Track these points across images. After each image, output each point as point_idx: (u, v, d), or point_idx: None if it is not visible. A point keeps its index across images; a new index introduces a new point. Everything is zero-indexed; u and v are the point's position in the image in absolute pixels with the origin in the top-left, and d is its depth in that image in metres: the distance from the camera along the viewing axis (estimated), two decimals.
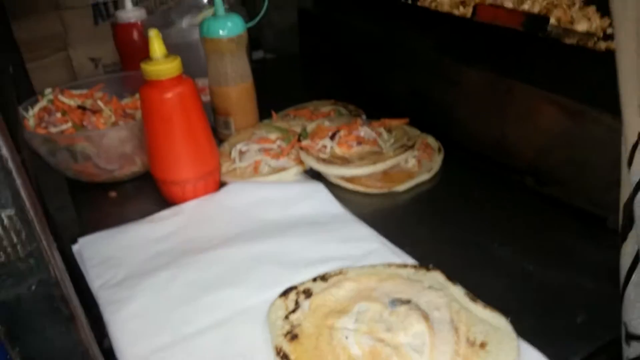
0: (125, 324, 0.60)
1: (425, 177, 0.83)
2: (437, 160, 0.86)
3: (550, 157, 0.73)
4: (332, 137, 0.87)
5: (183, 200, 0.82)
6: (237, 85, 0.95)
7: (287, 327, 0.56)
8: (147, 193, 0.86)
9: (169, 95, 0.75)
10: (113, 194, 0.88)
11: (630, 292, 0.47)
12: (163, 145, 0.78)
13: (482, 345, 0.51)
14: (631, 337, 0.47)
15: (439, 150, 0.89)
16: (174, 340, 0.57)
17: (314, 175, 0.87)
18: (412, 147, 0.85)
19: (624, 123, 0.48)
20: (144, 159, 0.88)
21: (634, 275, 0.47)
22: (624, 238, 0.49)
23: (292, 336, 0.54)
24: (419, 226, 0.74)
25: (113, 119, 0.92)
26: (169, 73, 0.74)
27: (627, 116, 0.47)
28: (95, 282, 0.67)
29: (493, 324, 0.53)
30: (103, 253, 0.72)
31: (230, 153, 0.91)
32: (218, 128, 1.00)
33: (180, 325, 0.59)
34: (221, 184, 0.85)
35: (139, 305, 0.62)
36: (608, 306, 0.57)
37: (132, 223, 0.78)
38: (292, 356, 0.52)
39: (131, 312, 0.61)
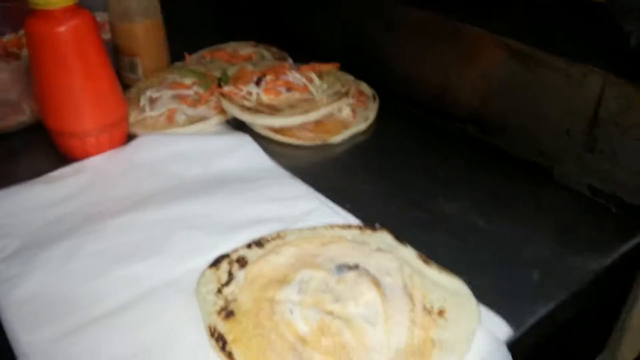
0: (19, 306, 0.49)
1: (361, 127, 0.77)
2: (373, 109, 0.80)
3: (496, 105, 0.69)
4: (258, 83, 0.78)
5: (85, 156, 0.70)
6: (143, 22, 0.83)
7: (220, 303, 0.48)
8: (41, 148, 0.73)
9: (62, 28, 0.62)
10: None
11: None
12: (56, 90, 0.65)
13: (441, 312, 0.46)
14: None
15: (374, 98, 0.82)
16: (80, 324, 0.48)
17: (238, 126, 0.77)
18: (346, 94, 0.78)
19: None
20: (33, 107, 0.74)
21: None
22: None
23: (228, 313, 0.47)
24: (357, 182, 0.68)
25: None
26: (62, 1, 0.61)
27: None
28: None
29: (450, 288, 0.49)
30: None
31: (139, 100, 0.79)
32: (122, 71, 0.87)
33: (88, 306, 0.49)
34: (130, 137, 0.74)
35: (36, 283, 0.52)
36: (560, 261, 0.55)
37: (24, 184, 0.65)
38: (229, 337, 0.45)
39: (27, 292, 0.51)
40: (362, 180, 0.68)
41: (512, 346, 0.46)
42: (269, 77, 0.78)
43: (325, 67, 0.84)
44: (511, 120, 0.68)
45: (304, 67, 0.83)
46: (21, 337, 0.46)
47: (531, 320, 0.49)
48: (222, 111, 0.78)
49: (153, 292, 0.51)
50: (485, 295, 0.49)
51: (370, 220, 0.58)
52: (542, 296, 0.51)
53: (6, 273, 0.53)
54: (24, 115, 0.74)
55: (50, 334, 0.47)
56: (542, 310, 0.49)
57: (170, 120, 0.76)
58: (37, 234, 0.58)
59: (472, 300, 0.47)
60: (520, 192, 0.65)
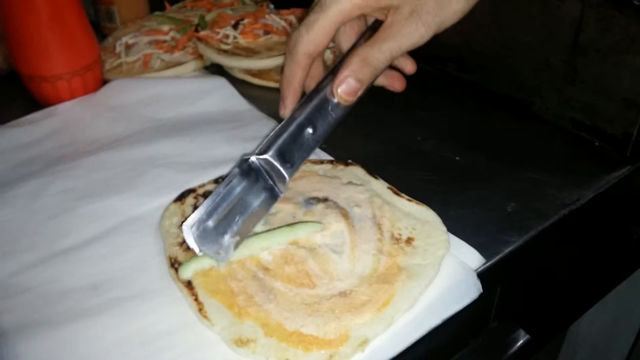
0: None
1: None
2: None
3: (475, 40, 0.66)
4: (235, 26, 0.76)
5: (57, 101, 0.68)
6: None
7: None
8: (14, 95, 0.72)
9: None
10: None
11: None
12: (24, 32, 0.63)
13: (409, 240, 0.45)
14: None
15: None
16: (45, 257, 0.47)
17: (216, 71, 0.75)
18: None
19: None
20: (6, 53, 0.72)
21: None
22: None
23: None
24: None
25: None
26: None
27: None
28: None
29: (420, 217, 0.47)
30: None
31: (115, 47, 0.77)
32: (100, 21, 0.86)
33: (53, 240, 0.49)
34: (104, 84, 0.72)
35: (2, 219, 0.51)
36: (538, 194, 0.53)
37: None
38: None
39: None
40: (340, 122, 0.66)
41: (485, 276, 0.45)
42: (247, 21, 0.76)
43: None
44: (490, 56, 0.65)
45: (284, 11, 0.81)
46: None
47: (504, 250, 0.47)
48: (200, 57, 0.76)
49: (120, 227, 0.50)
50: (458, 227, 0.47)
51: (344, 158, 0.56)
52: (517, 227, 0.49)
53: None
54: None
55: (12, 267, 0.46)
56: (516, 240, 0.48)
57: (145, 65, 0.75)
58: (5, 175, 0.57)
59: (441, 228, 0.46)
60: (499, 128, 0.63)
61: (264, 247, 0.44)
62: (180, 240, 0.47)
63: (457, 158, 0.58)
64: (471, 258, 0.45)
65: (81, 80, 0.68)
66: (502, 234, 0.48)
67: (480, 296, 0.43)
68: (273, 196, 0.46)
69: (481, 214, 0.51)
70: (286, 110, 0.49)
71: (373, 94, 0.71)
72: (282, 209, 0.49)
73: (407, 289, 0.41)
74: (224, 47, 0.74)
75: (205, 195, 0.51)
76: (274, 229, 0.46)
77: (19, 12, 0.62)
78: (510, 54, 0.62)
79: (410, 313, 0.40)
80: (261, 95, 0.71)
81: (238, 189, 0.44)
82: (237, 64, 0.72)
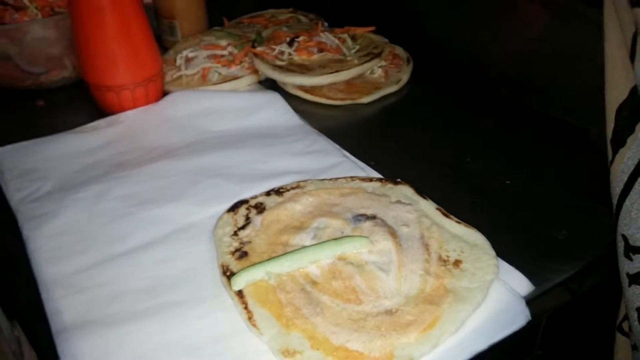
0: (47, 240, 0.51)
1: (392, 89, 0.76)
2: (406, 72, 0.78)
3: (528, 63, 0.66)
4: (291, 43, 0.78)
5: (120, 110, 0.72)
6: None
7: (235, 244, 0.49)
8: (81, 103, 0.76)
9: None
10: (41, 102, 0.77)
11: (634, 202, 0.41)
12: (93, 42, 0.67)
13: (457, 263, 0.45)
14: (633, 250, 0.42)
15: (408, 61, 0.81)
16: (102, 259, 0.49)
17: (270, 86, 0.78)
18: (379, 55, 0.77)
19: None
20: (75, 63, 0.76)
21: (636, 184, 0.41)
22: (620, 144, 0.43)
23: (241, 254, 0.47)
24: (384, 141, 0.67)
25: (40, 17, 0.79)
26: None
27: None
28: (15, 195, 0.58)
29: (468, 240, 0.47)
30: (26, 164, 0.62)
31: (175, 60, 0.81)
32: (162, 34, 0.90)
33: (111, 243, 0.51)
34: (165, 94, 0.75)
35: (65, 220, 0.54)
36: (589, 223, 0.52)
37: (62, 133, 0.68)
38: None
39: (55, 228, 0.53)
40: (389, 140, 0.67)
41: (533, 303, 0.44)
42: (302, 38, 0.78)
43: (360, 30, 0.83)
44: (544, 80, 0.65)
45: (338, 30, 0.82)
46: (45, 270, 0.48)
47: (555, 279, 0.47)
48: (255, 72, 0.78)
49: (175, 234, 0.52)
50: (507, 251, 0.47)
51: (393, 177, 0.57)
52: (569, 256, 0.49)
53: (37, 211, 0.55)
54: (66, 70, 0.77)
55: (72, 267, 0.49)
56: (567, 270, 0.47)
57: (204, 78, 0.77)
58: (69, 178, 0.60)
59: (490, 252, 0.46)
60: (551, 153, 0.62)
61: (312, 260, 0.45)
62: (232, 249, 0.48)
63: (508, 182, 0.58)
64: (520, 284, 0.45)
65: (144, 90, 0.71)
66: (553, 262, 0.48)
67: (527, 323, 0.43)
68: None
69: (531, 240, 0.50)
70: None
71: (423, 114, 0.72)
72: (331, 224, 0.50)
73: (454, 312, 0.41)
74: (279, 63, 0.76)
75: (257, 206, 0.53)
76: (322, 242, 0.47)
77: (89, 26, 0.66)
78: (564, 80, 0.62)
79: (456, 336, 0.40)
80: (313, 111, 0.73)
81: None
82: (291, 80, 0.74)
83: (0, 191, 0.59)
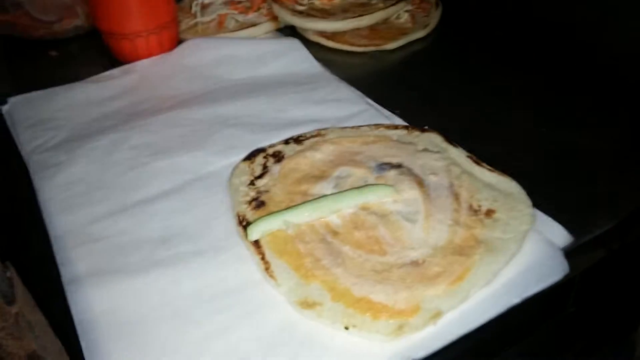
0: (59, 190, 0.50)
1: (419, 34, 0.71)
2: (435, 16, 0.74)
3: (571, 10, 0.61)
4: None
5: (135, 58, 0.69)
6: None
7: (252, 194, 0.46)
8: (95, 53, 0.74)
9: None
10: (54, 52, 0.75)
11: None
12: None
13: (489, 213, 0.42)
14: None
15: (437, 4, 0.76)
16: (117, 209, 0.47)
17: (289, 34, 0.74)
18: None
19: None
20: (87, 11, 0.74)
21: None
22: None
23: (258, 203, 0.45)
24: (410, 90, 0.63)
25: None
26: None
27: None
28: (28, 145, 0.56)
29: (502, 189, 0.44)
30: (39, 114, 0.61)
31: (191, 7, 0.77)
32: None
33: (126, 193, 0.49)
34: (180, 43, 0.72)
35: (78, 170, 0.52)
36: (632, 175, 0.48)
37: (75, 83, 0.66)
38: None
39: (68, 178, 0.51)
40: (415, 88, 0.63)
41: (572, 256, 0.41)
42: None
43: None
44: (588, 30, 0.60)
45: None
46: (57, 219, 0.47)
47: (596, 232, 0.43)
48: (274, 18, 0.74)
49: (192, 183, 0.50)
50: (544, 203, 0.44)
51: (420, 125, 0.53)
52: (610, 209, 0.45)
53: (50, 161, 0.53)
54: (78, 19, 0.74)
55: (86, 216, 0.47)
56: (608, 223, 0.44)
57: (220, 25, 0.74)
58: (84, 128, 0.58)
59: (527, 201, 0.43)
60: (593, 103, 0.57)
61: (334, 209, 0.43)
62: (248, 198, 0.46)
63: (544, 130, 0.54)
64: (558, 236, 0.42)
65: (158, 38, 0.68)
66: (593, 214, 0.44)
67: (563, 278, 0.40)
68: None
69: (570, 192, 0.47)
70: None
71: (452, 62, 0.68)
72: (353, 173, 0.47)
73: (486, 264, 0.38)
74: (298, 8, 0.72)
75: (275, 155, 0.50)
76: (344, 191, 0.44)
77: None
78: (613, 31, 0.57)
79: (487, 289, 0.37)
80: (334, 59, 0.69)
81: None
82: (311, 26, 0.70)
83: (12, 142, 0.58)
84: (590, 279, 0.48)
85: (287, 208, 0.43)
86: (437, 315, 0.35)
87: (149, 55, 0.69)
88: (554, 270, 0.39)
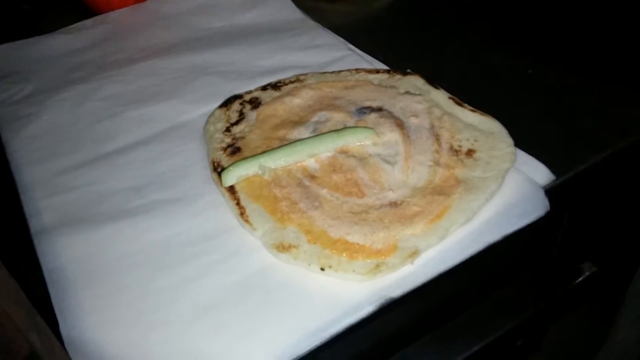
0: (28, 142, 0.48)
1: None
2: None
3: None
4: None
5: (109, 9, 0.67)
6: None
7: (227, 140, 0.45)
8: (69, 5, 0.71)
9: None
10: (26, 6, 0.72)
11: None
12: None
13: (470, 152, 0.41)
14: None
15: None
16: (88, 160, 0.46)
17: None
18: None
19: None
20: None
21: None
22: None
23: (234, 150, 0.44)
24: (395, 35, 0.61)
25: None
26: None
27: None
28: None
29: (484, 129, 0.43)
30: (6, 67, 0.59)
31: None
32: None
33: (97, 143, 0.48)
34: None
35: (47, 121, 0.50)
36: (622, 111, 0.47)
37: (46, 35, 0.63)
38: None
39: (36, 129, 0.49)
40: (400, 34, 0.61)
41: (554, 194, 0.40)
42: None
43: None
44: None
45: None
46: (25, 171, 0.45)
47: (578, 168, 0.42)
48: None
49: (166, 132, 0.48)
50: (527, 141, 0.42)
51: (404, 68, 0.52)
52: (594, 145, 0.44)
53: (18, 113, 0.52)
54: None
55: (55, 167, 0.45)
56: (591, 158, 0.43)
57: None
58: (53, 80, 0.56)
59: (507, 139, 0.41)
60: (580, 39, 0.56)
61: (311, 153, 0.41)
62: (224, 145, 0.44)
63: (530, 71, 0.52)
64: (539, 174, 0.40)
65: None
66: (577, 151, 0.43)
67: (547, 218, 0.39)
68: None
69: (553, 129, 0.45)
70: None
71: (438, 5, 0.65)
72: (332, 118, 0.46)
73: (465, 202, 0.37)
74: None
75: (252, 101, 0.49)
76: (322, 134, 0.43)
77: None
78: None
79: (467, 227, 0.36)
80: (317, 6, 0.67)
81: None
82: None
83: None
84: (576, 219, 0.48)
85: (262, 152, 0.42)
86: (414, 253, 0.34)
87: (123, 5, 0.67)
88: (535, 208, 0.38)
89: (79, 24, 0.65)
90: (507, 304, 0.46)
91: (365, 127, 0.43)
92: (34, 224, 0.40)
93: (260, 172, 0.41)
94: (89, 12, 0.68)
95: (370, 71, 0.51)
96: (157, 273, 0.37)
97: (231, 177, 0.40)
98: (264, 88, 0.50)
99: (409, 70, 0.50)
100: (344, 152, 0.42)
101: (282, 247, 0.36)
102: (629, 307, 0.64)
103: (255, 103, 0.48)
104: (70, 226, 0.40)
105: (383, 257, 0.34)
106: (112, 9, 0.66)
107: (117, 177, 0.44)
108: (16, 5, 0.72)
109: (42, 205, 0.42)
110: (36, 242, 0.39)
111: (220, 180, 0.41)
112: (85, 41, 0.62)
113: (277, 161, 0.41)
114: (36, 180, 0.44)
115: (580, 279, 0.52)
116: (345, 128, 0.43)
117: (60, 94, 0.53)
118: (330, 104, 0.47)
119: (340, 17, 0.66)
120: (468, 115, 0.44)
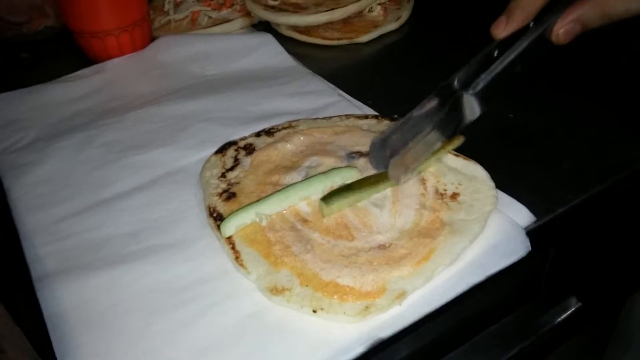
0: (28, 189, 0.50)
1: (391, 27, 0.72)
2: (406, 9, 0.74)
3: None
4: None
5: (106, 57, 0.69)
6: None
7: (223, 186, 0.47)
8: (67, 54, 0.73)
9: None
10: (25, 54, 0.75)
11: None
12: None
13: (454, 196, 0.43)
14: None
15: None
16: (87, 206, 0.47)
17: (263, 29, 0.74)
18: None
19: None
20: (57, 11, 0.73)
21: None
22: None
23: (229, 195, 0.45)
24: (383, 81, 0.64)
25: None
26: None
27: None
28: None
29: (467, 173, 0.45)
30: (8, 115, 0.60)
31: (164, 5, 0.77)
32: None
33: (96, 190, 0.49)
34: (153, 41, 0.72)
35: (47, 169, 0.52)
36: (595, 152, 0.49)
37: (46, 83, 0.66)
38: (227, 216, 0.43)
39: (37, 177, 0.51)
40: (388, 80, 0.64)
41: (536, 235, 0.41)
42: None
43: None
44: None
45: None
46: (26, 218, 0.47)
47: (558, 209, 0.44)
48: (248, 14, 0.75)
49: (162, 178, 0.50)
50: (508, 184, 0.44)
51: (391, 114, 0.54)
52: (574, 185, 0.46)
53: (19, 160, 0.53)
54: (48, 19, 0.74)
55: (56, 214, 0.47)
56: (572, 199, 0.45)
57: (193, 22, 0.74)
58: (53, 128, 0.58)
59: (489, 183, 0.43)
60: (557, 86, 0.58)
61: (303, 196, 0.43)
62: (219, 190, 0.46)
63: (511, 115, 0.55)
64: (520, 216, 0.42)
65: (129, 36, 0.68)
66: (557, 192, 0.45)
67: (531, 258, 0.40)
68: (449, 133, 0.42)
69: (534, 171, 0.47)
70: (503, 33, 0.43)
71: (424, 53, 0.68)
72: (323, 163, 0.47)
73: (450, 244, 0.39)
74: (271, 2, 0.72)
75: (247, 147, 0.51)
76: (311, 177, 0.44)
77: None
78: None
79: (451, 268, 0.38)
80: (308, 53, 0.70)
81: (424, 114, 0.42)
82: (284, 20, 0.70)
83: None
84: (561, 258, 0.49)
85: (258, 200, 0.43)
86: (402, 295, 0.36)
87: (120, 53, 0.69)
88: (517, 249, 0.39)
89: (78, 72, 0.67)
90: (495, 341, 0.48)
91: (350, 167, 0.45)
92: (35, 270, 0.41)
93: (257, 219, 0.42)
94: (87, 59, 0.70)
95: (359, 117, 0.53)
96: (153, 318, 0.38)
97: (230, 227, 0.42)
98: (257, 134, 0.52)
99: (396, 116, 0.53)
100: None
101: (276, 290, 0.37)
102: (619, 338, 0.65)
103: (249, 149, 0.50)
104: (69, 272, 0.41)
105: (372, 299, 0.36)
106: (110, 58, 0.69)
107: (115, 223, 0.46)
108: (15, 53, 0.75)
109: (43, 252, 0.43)
110: (37, 288, 0.40)
111: (216, 226, 0.42)
112: (84, 89, 0.64)
113: (271, 207, 0.43)
114: (37, 227, 0.45)
115: (566, 314, 0.53)
116: (331, 169, 0.45)
117: (61, 141, 0.55)
118: (321, 149, 0.49)
119: (330, 63, 0.69)
120: (451, 160, 0.46)
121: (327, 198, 0.42)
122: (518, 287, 0.49)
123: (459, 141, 0.46)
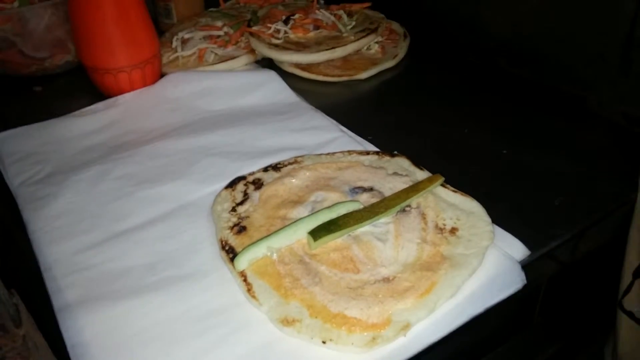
0: (47, 222, 0.52)
1: (389, 64, 0.75)
2: (403, 47, 0.78)
3: (527, 32, 0.66)
4: (286, 22, 0.77)
5: (118, 92, 0.72)
6: None
7: (233, 220, 0.49)
8: (79, 88, 0.76)
9: None
10: (38, 88, 0.77)
11: None
12: (90, 25, 0.67)
13: (453, 230, 0.46)
14: None
15: (405, 36, 0.80)
16: (104, 238, 0.50)
17: (267, 65, 0.78)
18: (375, 31, 0.77)
19: None
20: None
21: None
22: None
23: (240, 229, 0.48)
24: (382, 116, 0.67)
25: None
26: None
27: None
28: (15, 179, 0.58)
29: (465, 208, 0.48)
30: (25, 149, 0.63)
31: (172, 42, 0.81)
32: (158, 17, 0.89)
33: (112, 222, 0.52)
34: (162, 76, 0.75)
35: (65, 201, 0.54)
36: (586, 189, 0.52)
37: (59, 118, 0.68)
38: (239, 250, 0.46)
39: (55, 210, 0.53)
40: (387, 115, 0.67)
41: (530, 269, 0.44)
42: (297, 16, 0.78)
43: (356, 6, 0.83)
44: (543, 49, 0.65)
45: (334, 7, 0.82)
46: (46, 250, 0.49)
47: (551, 244, 0.47)
48: (252, 51, 0.78)
49: (175, 211, 0.53)
50: (504, 219, 0.48)
51: (391, 150, 0.57)
52: (565, 221, 0.49)
53: (38, 193, 0.55)
54: (69, 54, 0.77)
55: (75, 246, 0.49)
56: (563, 235, 0.48)
57: (200, 59, 0.77)
58: (69, 161, 0.61)
59: (486, 219, 0.46)
60: (549, 122, 0.62)
61: (309, 229, 0.46)
62: (230, 224, 0.49)
63: (505, 151, 0.58)
64: (516, 249, 0.45)
65: (141, 73, 0.71)
66: (550, 228, 0.48)
67: (525, 290, 0.43)
68: None
69: (527, 207, 0.51)
70: None
71: (421, 89, 0.72)
72: (328, 197, 0.50)
73: (451, 277, 0.41)
74: (275, 41, 0.75)
75: (255, 182, 0.53)
76: (316, 211, 0.47)
77: (86, 9, 0.66)
78: (563, 48, 0.62)
79: (453, 301, 0.40)
80: (310, 89, 0.73)
81: None
82: (287, 58, 0.74)
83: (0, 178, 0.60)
84: (554, 290, 0.52)
85: (268, 235, 0.46)
86: (407, 326, 0.38)
87: (132, 89, 0.72)
88: (513, 282, 0.42)
89: (92, 107, 0.69)
90: None
91: (353, 201, 0.48)
92: (56, 301, 0.44)
93: (268, 253, 0.45)
94: (99, 94, 0.73)
95: (361, 153, 0.56)
96: (171, 347, 0.40)
97: (243, 261, 0.44)
98: (265, 169, 0.55)
99: (396, 152, 0.56)
100: None
101: (287, 322, 0.40)
102: None
103: (258, 184, 0.53)
104: (89, 303, 0.43)
105: (378, 330, 0.38)
106: (121, 93, 0.71)
107: (131, 255, 0.48)
108: (28, 87, 0.78)
109: (63, 283, 0.45)
110: (59, 318, 0.42)
111: (229, 258, 0.45)
112: (97, 123, 0.67)
113: (281, 241, 0.45)
114: (57, 259, 0.48)
115: (561, 345, 0.56)
116: (336, 204, 0.48)
117: (77, 174, 0.57)
118: (326, 185, 0.52)
119: (332, 98, 0.72)
120: (450, 196, 0.49)
121: (315, 232, 0.44)
122: (512, 317, 0.52)
123: (438, 181, 0.49)
